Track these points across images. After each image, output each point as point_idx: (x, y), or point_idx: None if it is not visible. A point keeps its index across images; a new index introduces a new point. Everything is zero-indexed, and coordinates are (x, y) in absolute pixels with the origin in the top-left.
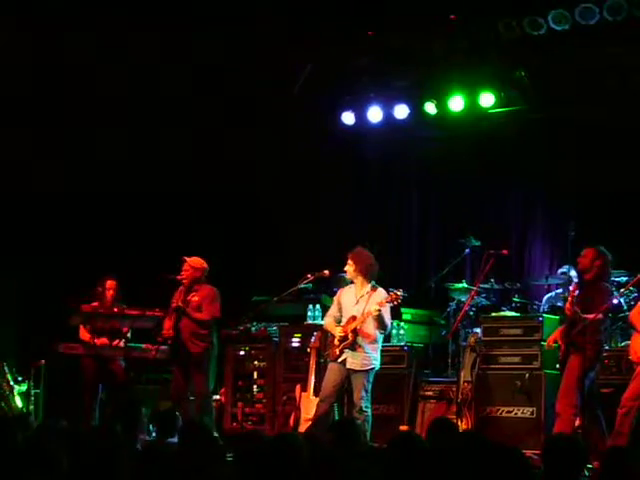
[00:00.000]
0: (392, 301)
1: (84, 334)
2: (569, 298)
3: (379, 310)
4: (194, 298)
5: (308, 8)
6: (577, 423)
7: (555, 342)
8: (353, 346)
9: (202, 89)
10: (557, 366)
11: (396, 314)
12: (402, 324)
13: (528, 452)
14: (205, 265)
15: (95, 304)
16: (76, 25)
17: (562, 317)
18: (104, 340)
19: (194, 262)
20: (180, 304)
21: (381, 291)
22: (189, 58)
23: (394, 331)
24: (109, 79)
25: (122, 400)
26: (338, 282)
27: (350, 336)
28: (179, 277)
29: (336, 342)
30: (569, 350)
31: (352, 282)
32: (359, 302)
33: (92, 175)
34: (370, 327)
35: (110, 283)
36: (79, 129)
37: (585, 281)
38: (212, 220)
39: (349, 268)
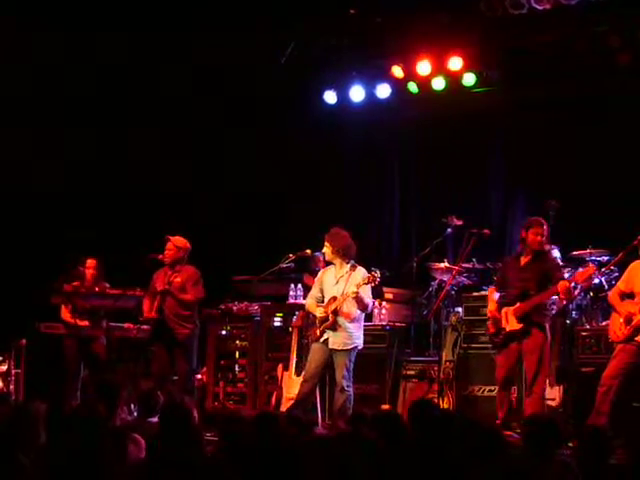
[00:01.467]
0: (370, 282)
1: (65, 314)
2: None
3: (357, 292)
4: (176, 279)
5: None
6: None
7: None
8: (334, 326)
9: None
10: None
11: (378, 293)
12: (384, 303)
13: (509, 431)
14: (188, 245)
15: (76, 283)
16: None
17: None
18: (85, 319)
19: (178, 241)
20: (167, 286)
21: (360, 269)
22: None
23: (375, 310)
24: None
25: (103, 380)
26: (314, 261)
27: (330, 317)
28: (161, 256)
29: (317, 322)
30: (528, 326)
31: (329, 262)
32: (339, 282)
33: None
34: (350, 306)
35: (90, 262)
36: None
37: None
38: (193, 200)
39: (326, 250)
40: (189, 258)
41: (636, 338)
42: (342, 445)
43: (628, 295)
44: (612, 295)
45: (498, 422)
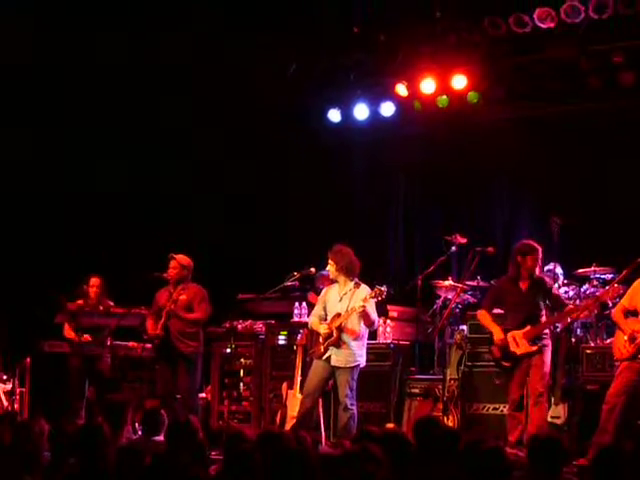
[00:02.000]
0: (376, 297)
1: (69, 332)
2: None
3: (363, 306)
4: (182, 297)
5: (293, 3)
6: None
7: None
8: (338, 343)
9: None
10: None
11: (382, 311)
12: (388, 321)
13: (514, 449)
14: (192, 263)
15: (80, 302)
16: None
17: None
18: (89, 338)
19: (182, 260)
20: (172, 305)
21: (364, 287)
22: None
23: (380, 328)
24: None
25: (109, 399)
26: (320, 280)
27: (335, 333)
28: (165, 275)
29: (321, 339)
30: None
31: (333, 280)
32: (342, 299)
33: (80, 175)
34: (354, 323)
35: (94, 281)
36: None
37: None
38: (196, 218)
39: (331, 268)
40: (194, 276)
41: None
42: (349, 463)
43: (632, 313)
44: (616, 312)
45: (512, 439)
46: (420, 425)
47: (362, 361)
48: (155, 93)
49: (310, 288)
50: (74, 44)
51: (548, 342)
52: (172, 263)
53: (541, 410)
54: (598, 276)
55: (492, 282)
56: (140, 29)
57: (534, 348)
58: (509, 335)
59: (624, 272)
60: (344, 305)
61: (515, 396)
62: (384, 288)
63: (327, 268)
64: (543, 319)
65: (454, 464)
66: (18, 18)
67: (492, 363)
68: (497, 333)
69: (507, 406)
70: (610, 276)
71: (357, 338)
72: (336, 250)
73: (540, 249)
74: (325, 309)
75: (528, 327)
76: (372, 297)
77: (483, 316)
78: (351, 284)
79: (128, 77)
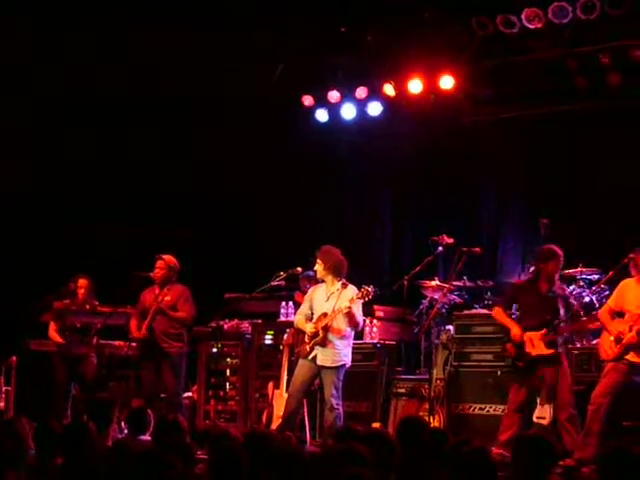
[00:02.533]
0: (363, 297)
1: (53, 333)
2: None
3: (349, 307)
4: (166, 297)
5: (281, 4)
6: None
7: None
8: (324, 342)
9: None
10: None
11: (369, 311)
12: (374, 321)
13: (500, 449)
14: (177, 264)
15: (67, 301)
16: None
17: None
18: (75, 337)
19: (169, 260)
20: (160, 305)
21: (352, 288)
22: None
23: (366, 328)
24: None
25: (94, 398)
26: (302, 281)
27: (321, 332)
28: (152, 275)
29: (306, 339)
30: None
31: (321, 280)
32: (329, 299)
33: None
34: (340, 323)
35: (82, 281)
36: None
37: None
38: (183, 217)
39: (318, 267)
40: (178, 277)
41: (626, 357)
42: (334, 462)
43: (618, 313)
44: (602, 313)
45: (502, 439)
46: (404, 425)
47: (348, 361)
48: (151, 96)
49: (295, 288)
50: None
51: (563, 350)
52: (159, 263)
53: (575, 423)
54: (584, 277)
55: (478, 282)
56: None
57: (550, 351)
58: (526, 335)
59: (610, 273)
60: (331, 305)
61: (520, 398)
62: (371, 289)
63: (315, 268)
64: (561, 325)
65: (439, 464)
66: None
67: (479, 363)
68: (515, 328)
69: (507, 405)
70: (596, 277)
71: (343, 337)
72: (324, 250)
73: (561, 254)
74: (311, 308)
75: (545, 330)
76: (359, 298)
77: (498, 313)
78: (338, 284)
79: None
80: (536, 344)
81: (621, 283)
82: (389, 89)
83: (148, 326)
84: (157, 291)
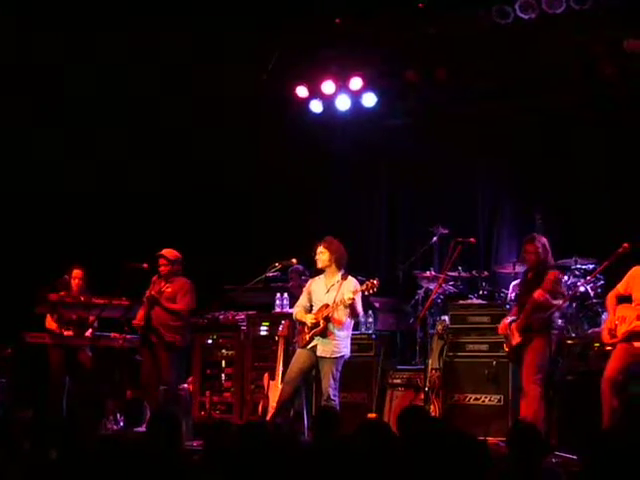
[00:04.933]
0: (367, 290)
1: (50, 323)
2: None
3: (353, 298)
4: (168, 289)
5: None
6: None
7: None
8: (324, 333)
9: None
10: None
11: (365, 302)
12: (370, 312)
13: (495, 439)
14: (180, 255)
15: (62, 293)
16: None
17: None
18: (71, 329)
19: (170, 254)
20: (154, 294)
21: (352, 279)
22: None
23: (362, 319)
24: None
25: (89, 390)
26: (296, 274)
27: (322, 323)
28: (146, 266)
29: (306, 329)
30: (529, 335)
31: (304, 274)
32: (330, 291)
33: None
34: (341, 314)
35: (77, 272)
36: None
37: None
38: (181, 210)
39: (322, 257)
40: (184, 269)
41: (634, 343)
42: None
43: (625, 298)
44: (609, 297)
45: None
46: (405, 414)
47: (347, 352)
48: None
49: (291, 278)
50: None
51: (544, 332)
52: (160, 260)
53: (526, 402)
54: (579, 266)
55: (473, 272)
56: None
57: (519, 339)
58: (512, 326)
59: (605, 263)
60: (331, 296)
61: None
62: (376, 281)
63: (317, 257)
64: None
65: (438, 454)
66: None
67: (474, 353)
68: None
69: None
70: (591, 266)
71: (343, 328)
72: (329, 240)
73: (537, 238)
74: (310, 300)
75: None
76: (363, 290)
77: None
78: (338, 275)
79: None
80: (514, 334)
81: (633, 269)
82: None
83: (145, 316)
84: (162, 283)
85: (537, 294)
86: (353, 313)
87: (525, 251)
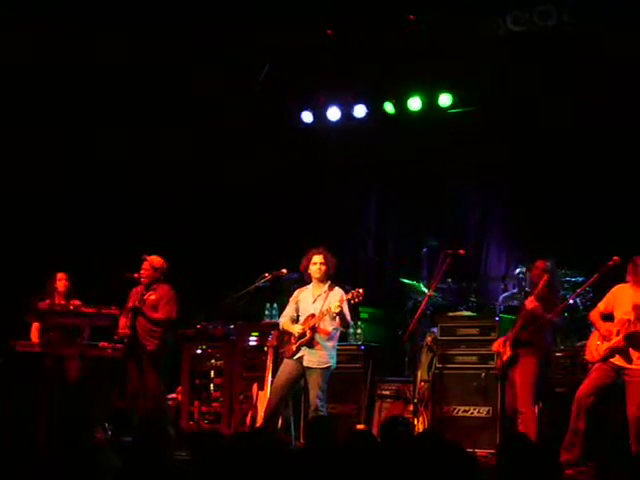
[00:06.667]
0: (353, 298)
1: (34, 333)
2: (535, 293)
3: (340, 307)
4: (151, 297)
5: (268, 5)
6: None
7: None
8: (311, 343)
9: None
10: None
11: (353, 313)
12: (359, 323)
13: (484, 451)
14: (165, 264)
15: (49, 301)
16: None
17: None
18: (59, 338)
19: (154, 261)
20: (137, 304)
21: (338, 290)
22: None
23: (351, 330)
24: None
25: (77, 399)
26: (290, 284)
27: (308, 333)
28: (137, 275)
29: (293, 339)
30: (518, 351)
31: (297, 283)
32: (317, 301)
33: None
34: (327, 324)
35: (61, 275)
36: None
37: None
38: (171, 218)
39: (322, 267)
40: (166, 277)
41: (612, 360)
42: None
43: (607, 317)
44: (593, 314)
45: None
46: (386, 425)
47: (333, 363)
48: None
49: (280, 289)
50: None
51: (534, 347)
52: (144, 264)
53: (522, 422)
54: (568, 279)
55: (462, 284)
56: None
57: (508, 353)
58: (507, 343)
59: (595, 276)
60: (318, 306)
61: (509, 405)
62: (361, 290)
63: (315, 267)
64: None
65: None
66: None
67: (463, 365)
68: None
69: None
70: (580, 279)
71: (330, 339)
72: (326, 252)
73: (540, 263)
74: (297, 310)
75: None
76: (350, 299)
77: None
78: (325, 286)
79: None
80: (507, 349)
81: (615, 287)
82: (389, 107)
83: (130, 325)
84: (143, 291)
85: (528, 302)
86: (343, 323)
87: (531, 272)
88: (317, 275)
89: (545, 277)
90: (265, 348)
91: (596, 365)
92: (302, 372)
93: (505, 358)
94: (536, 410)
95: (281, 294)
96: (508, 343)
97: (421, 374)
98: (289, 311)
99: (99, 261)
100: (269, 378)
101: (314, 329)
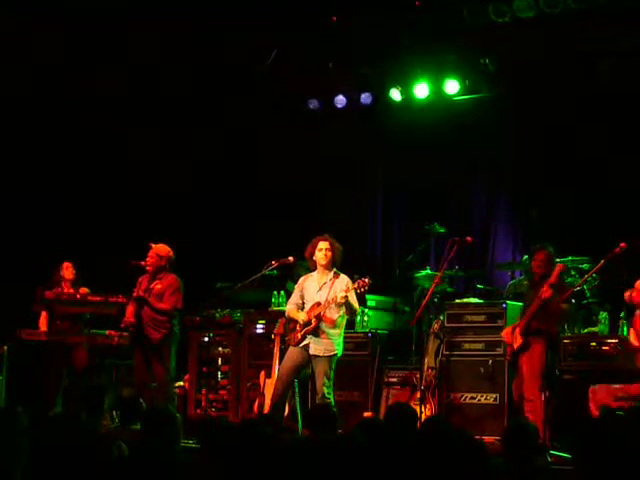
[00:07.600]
0: (359, 288)
1: (43, 322)
2: (549, 283)
3: (345, 297)
4: (157, 286)
5: None
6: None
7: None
8: (316, 331)
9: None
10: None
11: (361, 301)
12: (366, 311)
13: (491, 438)
14: (171, 253)
15: (57, 290)
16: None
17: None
18: (66, 326)
19: (160, 249)
20: (141, 293)
21: (344, 277)
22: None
23: (358, 318)
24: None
25: (85, 387)
26: (298, 270)
27: (313, 321)
28: (143, 263)
29: (298, 327)
30: (529, 337)
31: (310, 269)
32: (322, 289)
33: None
34: (333, 312)
35: (67, 264)
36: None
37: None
38: (178, 207)
39: (328, 253)
40: (173, 266)
41: None
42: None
43: None
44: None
45: None
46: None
47: (340, 350)
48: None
49: (288, 276)
50: None
51: (542, 334)
52: (150, 253)
53: (533, 413)
54: (575, 265)
55: (469, 271)
56: None
57: (519, 342)
58: (516, 330)
59: (601, 262)
60: (323, 294)
61: (514, 393)
62: (367, 279)
63: (322, 254)
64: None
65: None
66: None
67: (470, 352)
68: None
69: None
70: (588, 266)
71: (335, 327)
72: (332, 239)
73: (542, 251)
74: (302, 297)
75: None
76: (356, 288)
77: None
78: (330, 274)
79: None
80: (516, 338)
81: None
82: (395, 94)
83: (136, 313)
84: (150, 280)
85: (543, 291)
86: (350, 310)
87: (532, 261)
88: (323, 262)
89: (560, 266)
90: (272, 336)
91: None
92: (308, 360)
93: (516, 346)
94: (543, 397)
95: (289, 281)
96: (518, 331)
97: (428, 361)
98: (294, 298)
99: (106, 250)
100: (276, 366)
101: (319, 317)
